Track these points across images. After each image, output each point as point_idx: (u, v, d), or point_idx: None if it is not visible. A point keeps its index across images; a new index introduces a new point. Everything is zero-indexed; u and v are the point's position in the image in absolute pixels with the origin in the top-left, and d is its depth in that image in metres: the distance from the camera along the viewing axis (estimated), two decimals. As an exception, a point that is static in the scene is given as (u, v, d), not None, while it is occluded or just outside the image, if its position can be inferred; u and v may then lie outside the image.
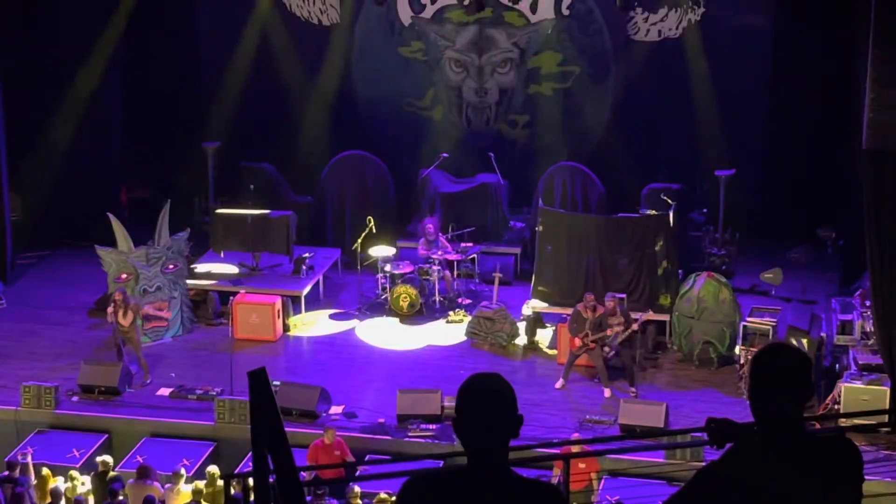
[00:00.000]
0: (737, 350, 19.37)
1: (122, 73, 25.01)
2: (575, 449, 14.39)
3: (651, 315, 19.71)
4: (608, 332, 18.80)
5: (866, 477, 4.79)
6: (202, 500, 15.33)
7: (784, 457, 4.53)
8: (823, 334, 19.47)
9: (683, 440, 15.76)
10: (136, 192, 25.29)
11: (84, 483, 16.05)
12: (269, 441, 5.67)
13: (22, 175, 24.14)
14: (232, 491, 13.98)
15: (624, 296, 19.91)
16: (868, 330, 18.67)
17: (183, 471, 16.21)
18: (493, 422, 4.56)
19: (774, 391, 4.53)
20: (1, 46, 22.68)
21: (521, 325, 20.92)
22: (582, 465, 15.96)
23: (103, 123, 24.91)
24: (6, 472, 16.12)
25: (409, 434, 17.63)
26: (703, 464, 5.55)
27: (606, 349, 18.86)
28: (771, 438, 4.57)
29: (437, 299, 22.06)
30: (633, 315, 19.08)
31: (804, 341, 18.24)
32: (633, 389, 18.87)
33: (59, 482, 15.79)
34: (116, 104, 25.08)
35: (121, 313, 19.14)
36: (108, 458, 16.51)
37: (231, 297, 21.03)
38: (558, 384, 19.12)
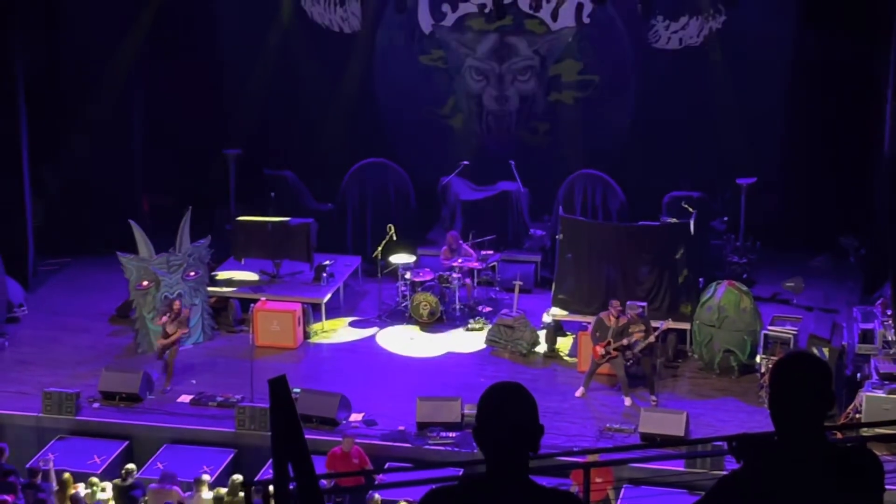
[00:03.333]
0: (758, 359, 19.29)
1: (144, 81, 25.09)
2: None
3: (671, 324, 19.66)
4: (629, 339, 18.75)
5: (887, 487, 4.77)
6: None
7: (805, 467, 4.51)
8: (845, 343, 19.40)
9: (704, 449, 15.71)
10: (157, 200, 25.34)
11: (104, 489, 16.09)
12: (289, 449, 5.68)
13: (44, 182, 24.23)
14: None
15: (645, 304, 19.88)
16: (889, 339, 18.60)
17: (206, 476, 16.24)
18: (513, 432, 4.55)
19: (795, 401, 4.52)
20: (23, 55, 22.75)
21: (542, 333, 20.91)
22: (598, 480, 15.90)
23: (125, 131, 24.99)
24: (28, 479, 16.18)
25: (429, 442, 17.63)
26: (724, 473, 5.54)
27: (628, 354, 18.83)
28: (792, 448, 4.56)
29: (458, 307, 22.07)
30: (654, 324, 19.04)
31: (825, 350, 18.19)
32: (654, 398, 18.82)
33: (79, 489, 15.83)
34: (138, 112, 25.16)
35: (171, 320, 19.43)
36: (132, 466, 16.53)
37: (252, 305, 21.06)
38: (578, 392, 19.09)
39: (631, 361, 18.94)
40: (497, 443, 4.55)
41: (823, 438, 4.58)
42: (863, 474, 4.60)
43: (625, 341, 18.73)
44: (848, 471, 4.56)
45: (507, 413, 4.58)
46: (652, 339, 18.81)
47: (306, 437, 5.76)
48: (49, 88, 24.09)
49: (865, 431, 15.18)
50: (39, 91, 23.44)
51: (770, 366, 17.65)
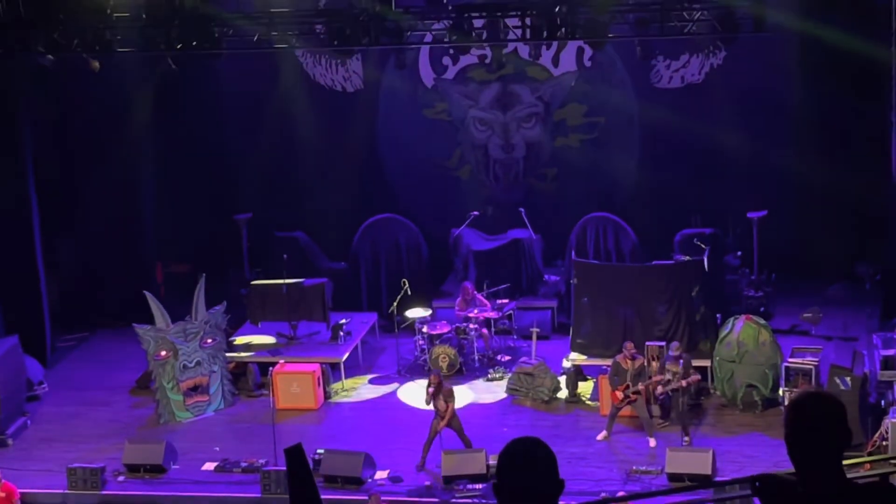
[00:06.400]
0: (780, 392, 19.22)
1: (152, 151, 25.22)
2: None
3: (698, 378, 19.30)
4: (662, 377, 18.69)
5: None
6: None
7: (825, 505, 4.51)
8: (867, 371, 19.32)
9: (732, 489, 15.60)
10: (171, 269, 25.42)
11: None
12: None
13: (57, 258, 24.33)
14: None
15: (677, 343, 19.71)
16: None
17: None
18: (533, 490, 4.55)
19: (810, 441, 4.51)
20: (33, 130, 22.87)
21: (562, 379, 20.85)
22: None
23: (134, 203, 25.12)
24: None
25: (457, 495, 17.55)
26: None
27: (661, 389, 18.72)
28: (812, 487, 4.54)
29: (476, 357, 22.04)
30: (692, 376, 18.83)
31: (848, 379, 18.10)
32: (687, 438, 18.71)
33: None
34: (147, 182, 25.30)
35: (437, 397, 18.40)
36: None
37: (270, 368, 21.04)
38: (600, 436, 18.99)
39: (663, 397, 18.85)
40: (516, 500, 4.54)
41: (842, 475, 4.57)
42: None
43: (649, 383, 18.68)
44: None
45: (525, 470, 4.58)
46: (683, 383, 18.70)
47: (333, 497, 5.77)
48: (58, 164, 24.20)
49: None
50: (48, 168, 23.55)
51: (796, 394, 17.55)
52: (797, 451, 4.55)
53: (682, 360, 18.93)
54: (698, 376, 18.95)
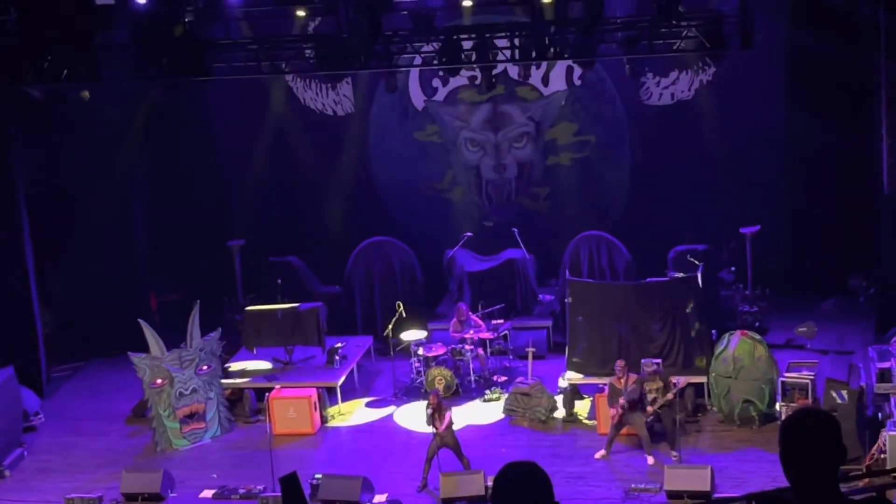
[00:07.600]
0: (777, 406, 19.21)
1: (144, 178, 25.23)
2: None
3: (690, 379, 19.57)
4: (639, 394, 18.73)
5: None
6: None
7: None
8: (863, 384, 19.30)
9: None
10: (165, 296, 25.40)
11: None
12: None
13: (50, 288, 24.29)
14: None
15: (659, 361, 19.83)
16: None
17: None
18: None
19: (805, 458, 4.52)
20: (24, 161, 22.86)
21: (559, 399, 20.83)
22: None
23: (128, 231, 25.10)
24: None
25: (455, 517, 17.52)
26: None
27: (649, 410, 18.74)
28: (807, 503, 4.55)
29: (473, 378, 22.02)
30: (672, 380, 18.97)
31: (844, 392, 18.09)
32: (675, 453, 18.69)
33: None
34: (140, 210, 25.30)
35: (437, 417, 18.27)
36: None
37: (267, 394, 21.01)
38: (599, 454, 18.95)
39: (651, 418, 18.87)
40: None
41: (838, 492, 4.57)
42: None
43: (648, 397, 18.70)
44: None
45: (520, 494, 4.57)
46: (670, 396, 18.75)
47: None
48: (49, 195, 24.20)
49: None
50: (40, 198, 23.54)
51: (790, 413, 17.55)
52: (792, 469, 4.56)
53: (658, 374, 19.00)
54: (678, 385, 18.94)
